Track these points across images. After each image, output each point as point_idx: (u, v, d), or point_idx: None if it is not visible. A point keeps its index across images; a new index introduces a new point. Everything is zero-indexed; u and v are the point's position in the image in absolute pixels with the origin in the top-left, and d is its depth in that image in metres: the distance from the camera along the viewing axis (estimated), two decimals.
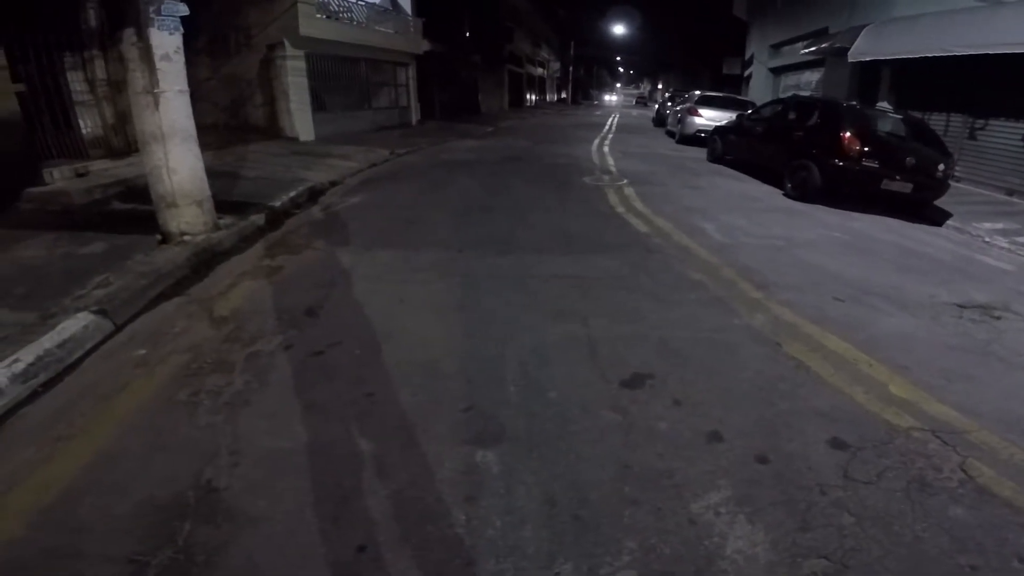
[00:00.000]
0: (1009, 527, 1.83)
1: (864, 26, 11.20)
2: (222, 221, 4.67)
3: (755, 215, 6.17)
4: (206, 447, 2.02)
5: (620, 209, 6.11)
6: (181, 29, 4.08)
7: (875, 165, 6.69)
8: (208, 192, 4.49)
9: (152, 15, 3.87)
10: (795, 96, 10.13)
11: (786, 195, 7.53)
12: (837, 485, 1.96)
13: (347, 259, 4.13)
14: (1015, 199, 8.37)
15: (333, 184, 7.22)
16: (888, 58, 10.38)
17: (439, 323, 3.13)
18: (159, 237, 4.22)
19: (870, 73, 11.72)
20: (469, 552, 1.62)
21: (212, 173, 6.99)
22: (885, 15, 11.16)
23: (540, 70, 40.54)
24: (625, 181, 7.86)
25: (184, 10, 4.06)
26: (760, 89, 19.51)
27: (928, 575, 1.64)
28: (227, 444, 2.04)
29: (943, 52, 8.83)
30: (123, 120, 6.46)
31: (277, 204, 5.63)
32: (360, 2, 13.63)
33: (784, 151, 7.84)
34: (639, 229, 5.28)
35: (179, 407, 2.26)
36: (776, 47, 18.78)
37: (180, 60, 4.11)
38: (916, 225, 6.60)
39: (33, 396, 2.32)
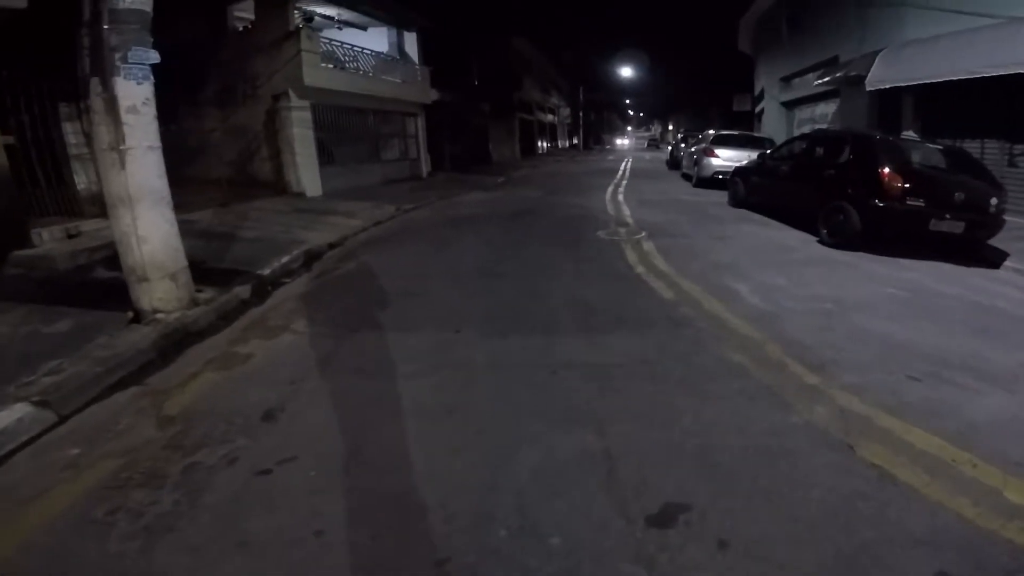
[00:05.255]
0: None
1: (878, 52, 10.81)
2: (202, 294, 4.22)
3: (792, 270, 5.50)
4: None
5: (640, 269, 5.49)
6: (151, 79, 3.74)
7: (921, 204, 6.02)
8: (184, 262, 4.07)
9: (118, 63, 3.54)
10: (821, 130, 9.68)
11: (821, 242, 6.86)
12: None
13: (327, 345, 3.61)
14: None
15: (332, 246, 6.83)
16: (909, 84, 9.88)
17: (421, 434, 2.55)
18: (130, 314, 3.81)
19: (890, 101, 11.20)
20: None
21: (207, 234, 6.80)
22: (897, 39, 10.77)
23: (551, 116, 40.72)
24: (643, 234, 7.28)
25: (155, 57, 3.72)
26: (773, 124, 19.15)
27: None
28: None
29: (969, 74, 8.37)
30: None
31: (266, 272, 5.20)
32: (366, 51, 13.60)
33: (815, 192, 7.21)
34: (663, 295, 4.65)
35: (93, 526, 1.95)
36: (786, 80, 18.50)
37: (150, 113, 3.75)
38: (973, 269, 5.89)
39: None
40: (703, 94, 39.82)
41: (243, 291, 4.60)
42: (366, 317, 4.16)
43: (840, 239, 6.58)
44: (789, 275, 5.27)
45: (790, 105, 18.47)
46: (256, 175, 11.84)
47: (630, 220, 8.43)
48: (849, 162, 6.86)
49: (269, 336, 3.81)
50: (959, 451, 2.38)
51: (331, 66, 12.21)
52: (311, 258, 6.16)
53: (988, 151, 9.03)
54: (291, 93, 11.06)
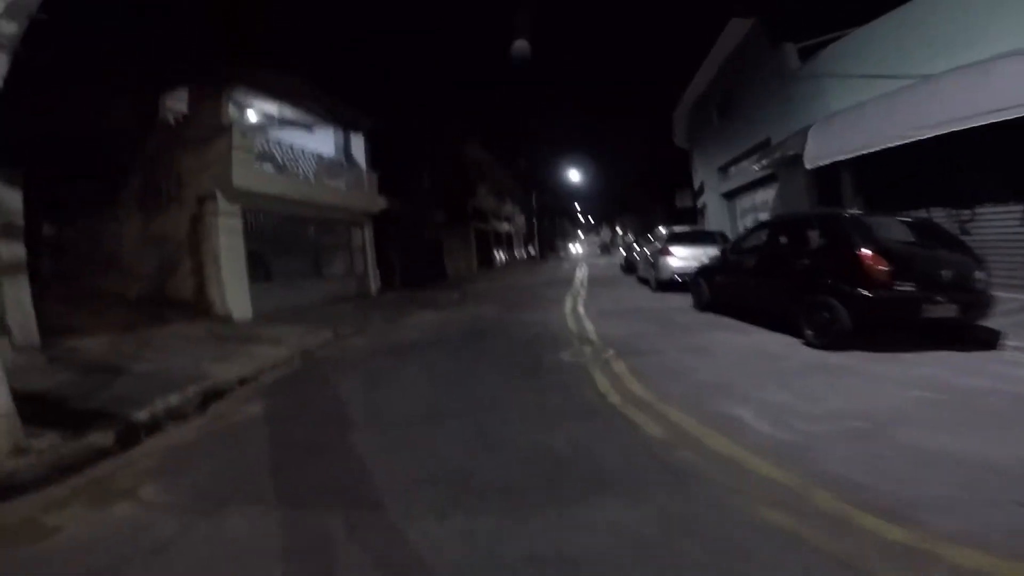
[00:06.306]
0: None
1: (808, 127, 10.49)
2: (37, 442, 3.42)
3: (791, 382, 4.51)
4: None
5: (615, 399, 4.34)
6: None
7: (911, 288, 5.31)
8: (7, 406, 3.31)
9: None
10: (780, 216, 9.02)
11: (808, 344, 5.90)
12: None
13: (172, 524, 2.50)
14: None
15: (243, 382, 5.60)
16: (846, 157, 9.41)
17: None
18: None
19: (828, 178, 10.78)
20: None
21: (90, 366, 5.61)
22: (823, 111, 10.53)
23: (507, 225, 39.46)
24: (612, 352, 6.13)
25: None
26: (717, 217, 18.93)
27: None
28: None
29: (901, 140, 7.92)
30: None
31: (143, 415, 4.19)
32: (307, 152, 12.42)
33: (791, 287, 6.36)
34: (650, 432, 3.52)
35: None
36: (723, 169, 18.40)
37: None
38: (977, 354, 5.21)
39: None
40: (646, 194, 40.97)
41: (101, 438, 3.69)
42: (247, 483, 3.02)
43: (829, 340, 5.67)
44: (791, 389, 4.31)
45: (730, 195, 18.21)
46: (177, 293, 10.15)
47: (594, 336, 7.37)
48: (822, 248, 6.17)
49: (101, 503, 2.77)
50: None
51: (268, 167, 10.96)
52: (210, 398, 5.00)
53: (936, 219, 8.22)
54: (219, 195, 9.59)
